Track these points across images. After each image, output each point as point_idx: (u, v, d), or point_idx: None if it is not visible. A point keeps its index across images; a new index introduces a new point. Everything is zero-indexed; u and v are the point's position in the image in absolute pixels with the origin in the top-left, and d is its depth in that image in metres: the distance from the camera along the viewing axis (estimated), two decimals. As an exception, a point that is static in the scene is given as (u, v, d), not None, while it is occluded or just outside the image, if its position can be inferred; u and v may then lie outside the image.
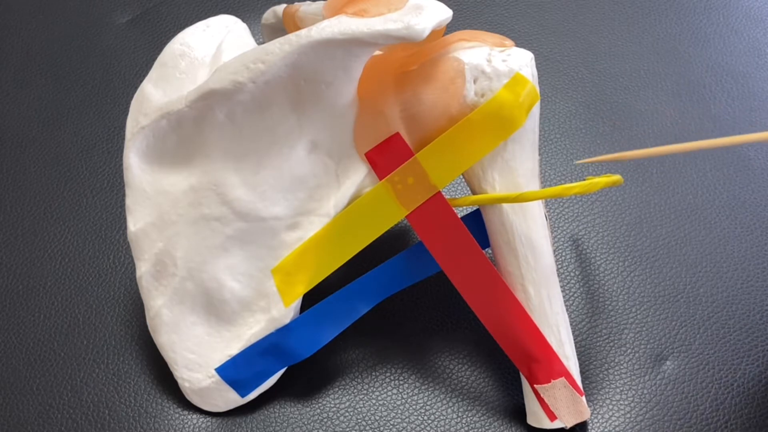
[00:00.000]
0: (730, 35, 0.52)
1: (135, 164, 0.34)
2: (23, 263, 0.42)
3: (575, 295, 0.40)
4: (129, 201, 0.34)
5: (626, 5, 0.54)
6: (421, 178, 0.33)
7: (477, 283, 0.33)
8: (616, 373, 0.37)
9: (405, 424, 0.35)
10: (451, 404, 0.36)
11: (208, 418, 0.36)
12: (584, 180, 0.35)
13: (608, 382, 0.36)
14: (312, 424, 0.35)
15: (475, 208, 0.41)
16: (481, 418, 0.35)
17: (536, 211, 0.33)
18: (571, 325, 0.38)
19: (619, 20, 0.53)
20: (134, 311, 0.39)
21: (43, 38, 0.54)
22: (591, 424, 0.35)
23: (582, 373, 0.37)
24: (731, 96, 0.48)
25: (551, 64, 0.50)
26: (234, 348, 0.35)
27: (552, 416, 0.33)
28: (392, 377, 0.37)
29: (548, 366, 0.33)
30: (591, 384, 0.36)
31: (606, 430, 0.35)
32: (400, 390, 0.36)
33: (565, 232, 0.42)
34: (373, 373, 0.37)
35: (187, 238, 0.34)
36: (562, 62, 0.51)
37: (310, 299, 0.39)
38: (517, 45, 0.52)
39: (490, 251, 0.41)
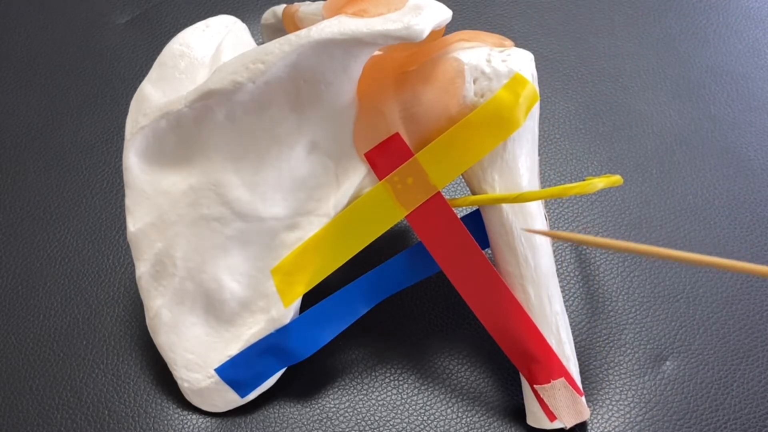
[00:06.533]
0: (729, 36, 0.52)
1: (134, 164, 0.34)
2: (23, 263, 0.42)
3: (575, 295, 0.39)
4: (128, 201, 0.34)
5: (626, 5, 0.54)
6: (421, 178, 0.33)
7: (476, 283, 0.33)
8: (615, 373, 0.37)
9: (405, 425, 0.35)
10: (451, 404, 0.36)
11: (207, 419, 0.36)
12: (584, 180, 0.35)
13: (608, 382, 0.36)
14: (312, 424, 0.35)
15: (475, 208, 0.41)
16: (481, 418, 0.35)
17: (536, 211, 0.33)
18: (571, 325, 0.38)
19: (619, 20, 0.53)
20: (134, 311, 0.39)
21: (43, 38, 0.54)
22: (591, 425, 0.35)
23: (582, 373, 0.37)
24: (731, 96, 0.48)
25: (551, 65, 0.50)
26: (233, 348, 0.35)
27: (552, 416, 0.33)
28: (392, 377, 0.37)
29: (548, 366, 0.33)
30: (591, 384, 0.36)
31: (606, 430, 0.35)
32: (400, 390, 0.36)
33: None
34: (373, 373, 0.37)
35: (186, 239, 0.34)
36: (562, 62, 0.51)
37: (310, 299, 0.39)
38: (517, 45, 0.52)
39: (490, 251, 0.41)
